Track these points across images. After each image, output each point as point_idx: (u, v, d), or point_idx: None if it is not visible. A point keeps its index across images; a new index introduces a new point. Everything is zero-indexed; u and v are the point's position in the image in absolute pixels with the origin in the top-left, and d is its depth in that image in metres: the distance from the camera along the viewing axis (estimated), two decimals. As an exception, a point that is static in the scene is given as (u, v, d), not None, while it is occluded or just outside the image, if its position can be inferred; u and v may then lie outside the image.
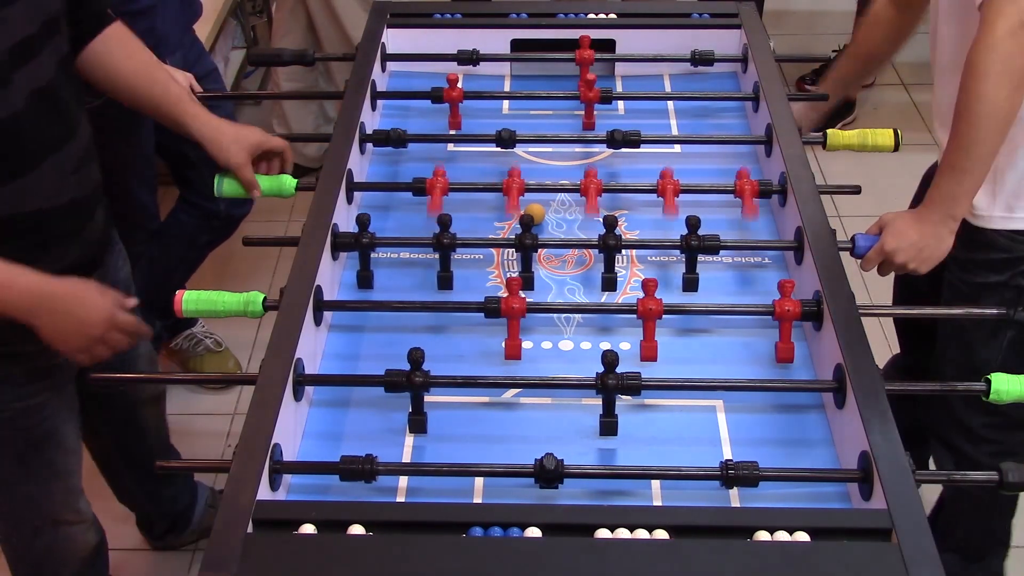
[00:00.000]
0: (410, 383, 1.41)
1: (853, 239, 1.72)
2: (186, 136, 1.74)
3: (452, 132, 2.03)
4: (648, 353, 1.52)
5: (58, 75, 1.52)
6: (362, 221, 1.68)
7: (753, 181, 1.79)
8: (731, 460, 1.33)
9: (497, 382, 1.49)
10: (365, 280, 1.70)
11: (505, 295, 1.54)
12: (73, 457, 1.81)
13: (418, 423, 1.45)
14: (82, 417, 1.83)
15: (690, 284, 1.68)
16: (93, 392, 1.86)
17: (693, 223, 1.65)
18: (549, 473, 1.31)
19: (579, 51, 2.08)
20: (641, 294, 1.53)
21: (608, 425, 1.43)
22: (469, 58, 2.13)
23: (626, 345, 1.58)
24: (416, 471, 1.38)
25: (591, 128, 2.04)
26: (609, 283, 1.68)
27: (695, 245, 1.65)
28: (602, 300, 1.68)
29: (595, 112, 2.04)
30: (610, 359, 1.41)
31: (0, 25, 1.40)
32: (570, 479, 1.32)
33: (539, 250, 1.74)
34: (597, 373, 1.42)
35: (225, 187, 1.76)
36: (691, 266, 1.68)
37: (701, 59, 2.14)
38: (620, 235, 1.66)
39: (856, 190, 1.88)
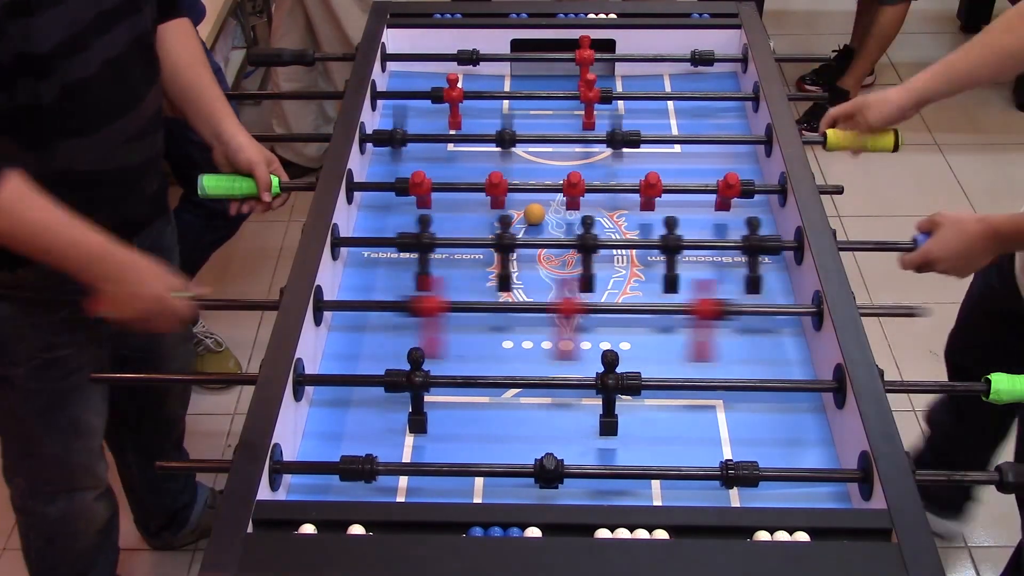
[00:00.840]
0: (410, 383, 1.41)
1: (915, 240, 1.69)
2: (212, 132, 1.73)
3: (452, 132, 2.03)
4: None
5: (132, 49, 1.58)
6: (424, 221, 1.65)
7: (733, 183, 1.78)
8: (731, 460, 1.33)
9: (497, 382, 1.49)
10: (424, 283, 1.64)
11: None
12: (97, 418, 1.85)
13: (418, 423, 1.45)
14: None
15: (754, 284, 1.64)
16: (124, 359, 1.87)
17: (755, 224, 1.63)
18: (549, 473, 1.31)
19: (579, 51, 2.08)
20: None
21: (608, 425, 1.43)
22: (469, 58, 2.13)
23: (626, 345, 1.58)
24: (416, 471, 1.39)
25: (591, 128, 2.04)
26: (671, 283, 1.63)
27: (756, 245, 1.63)
28: (658, 301, 1.64)
29: (595, 112, 2.04)
30: (610, 359, 1.41)
31: None
32: (570, 479, 1.32)
33: (540, 250, 1.74)
34: (597, 373, 1.42)
35: (207, 183, 1.75)
36: (753, 266, 1.64)
37: (701, 59, 2.14)
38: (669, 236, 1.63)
39: (839, 190, 1.87)
